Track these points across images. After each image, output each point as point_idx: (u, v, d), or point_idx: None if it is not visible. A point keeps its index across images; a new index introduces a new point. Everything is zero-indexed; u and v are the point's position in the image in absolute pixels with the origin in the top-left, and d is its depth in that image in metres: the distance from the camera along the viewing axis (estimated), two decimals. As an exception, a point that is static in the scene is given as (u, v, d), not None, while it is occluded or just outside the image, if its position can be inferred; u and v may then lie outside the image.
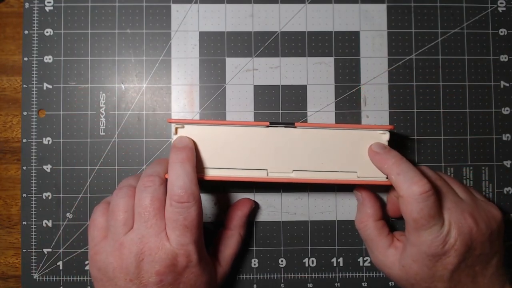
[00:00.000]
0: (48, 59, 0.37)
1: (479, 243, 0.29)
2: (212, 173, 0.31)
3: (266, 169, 0.31)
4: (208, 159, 0.31)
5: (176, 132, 0.31)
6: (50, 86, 0.36)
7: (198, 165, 0.31)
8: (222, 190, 0.36)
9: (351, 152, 0.31)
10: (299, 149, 0.31)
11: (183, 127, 0.31)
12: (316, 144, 0.31)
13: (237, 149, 0.31)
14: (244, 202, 0.35)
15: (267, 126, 0.31)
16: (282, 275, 0.36)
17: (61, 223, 0.36)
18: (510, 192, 0.37)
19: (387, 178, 0.31)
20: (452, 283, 0.29)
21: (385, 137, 0.31)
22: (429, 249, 0.28)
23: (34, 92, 0.36)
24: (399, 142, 0.37)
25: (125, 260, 0.27)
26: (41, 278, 0.36)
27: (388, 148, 0.31)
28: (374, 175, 0.31)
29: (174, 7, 0.37)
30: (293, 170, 0.31)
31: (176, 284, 0.28)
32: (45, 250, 0.36)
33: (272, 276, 0.36)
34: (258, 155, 0.31)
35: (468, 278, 0.29)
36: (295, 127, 0.31)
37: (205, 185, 0.36)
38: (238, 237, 0.34)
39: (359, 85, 0.37)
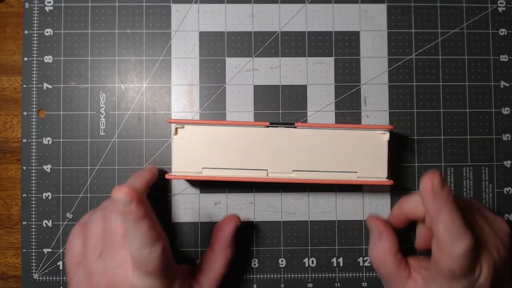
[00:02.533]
0: (48, 59, 0.37)
1: (500, 267, 0.28)
2: (211, 173, 0.31)
3: (266, 169, 0.31)
4: (207, 159, 0.31)
5: (176, 132, 0.31)
6: (50, 86, 0.36)
7: (198, 165, 0.31)
8: (222, 191, 0.36)
9: (351, 152, 0.31)
10: (299, 149, 0.31)
11: (183, 127, 0.31)
12: (316, 144, 0.31)
13: (237, 149, 0.31)
14: (229, 220, 0.33)
15: (267, 126, 0.31)
16: (282, 275, 0.36)
17: (61, 223, 0.36)
18: (510, 192, 0.37)
19: (424, 221, 0.29)
20: None
21: (385, 137, 0.31)
22: (451, 273, 0.26)
23: (34, 92, 0.36)
24: (399, 142, 0.37)
25: None
26: (41, 278, 0.36)
27: (446, 188, 0.26)
28: (374, 175, 0.31)
29: (174, 7, 0.37)
30: (293, 170, 0.31)
31: None
32: (45, 250, 0.36)
33: (272, 276, 0.36)
34: (258, 155, 0.31)
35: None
36: (295, 127, 0.31)
37: (205, 185, 0.36)
38: (223, 260, 0.32)
39: (359, 85, 0.37)
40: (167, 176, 0.30)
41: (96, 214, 0.29)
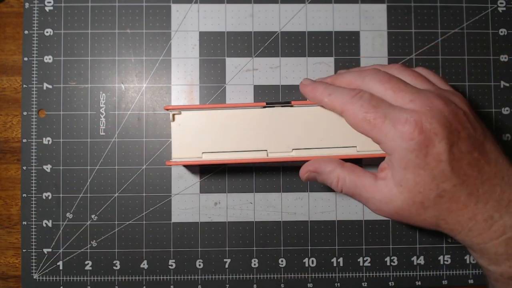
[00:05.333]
0: (48, 59, 0.37)
1: (458, 123, 0.26)
2: (211, 157, 0.31)
3: (266, 150, 0.31)
4: (207, 144, 0.31)
5: (173, 119, 0.31)
6: (50, 86, 0.36)
7: (198, 150, 0.31)
8: (222, 190, 0.36)
9: (349, 127, 0.31)
10: (298, 127, 0.31)
11: (180, 113, 0.31)
12: (314, 121, 0.31)
13: (236, 132, 0.31)
14: None
15: (264, 107, 0.31)
16: (282, 275, 0.36)
17: (61, 223, 0.36)
18: (510, 192, 0.37)
19: (321, 106, 0.30)
20: (459, 179, 0.26)
21: None
22: (407, 142, 0.25)
23: (34, 92, 0.36)
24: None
25: None
26: (41, 278, 0.36)
27: (316, 80, 0.30)
28: (373, 149, 0.31)
29: (174, 7, 0.37)
30: (293, 149, 0.31)
31: None
32: (45, 250, 0.36)
33: (272, 276, 0.36)
34: (257, 136, 0.31)
35: (473, 168, 0.26)
36: (291, 106, 0.31)
37: (206, 184, 0.36)
38: None
39: (359, 85, 0.37)
40: (167, 163, 0.30)
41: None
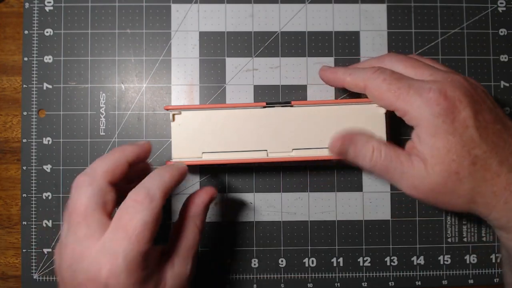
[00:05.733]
0: (48, 59, 0.37)
1: (478, 96, 0.27)
2: (211, 157, 0.31)
3: (266, 150, 0.31)
4: (207, 144, 0.31)
5: (173, 119, 0.31)
6: (50, 86, 0.36)
7: (198, 150, 0.31)
8: (222, 191, 0.36)
9: (349, 127, 0.31)
10: (298, 128, 0.31)
11: (180, 113, 0.31)
12: (314, 121, 0.31)
13: (236, 132, 0.31)
14: (204, 190, 0.30)
15: (264, 107, 0.31)
16: (282, 275, 0.36)
17: (61, 223, 0.36)
18: (510, 192, 0.37)
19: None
20: (488, 146, 0.26)
21: (382, 109, 0.31)
22: (434, 108, 0.26)
23: (34, 92, 0.36)
24: (399, 142, 0.36)
25: None
26: (41, 278, 0.36)
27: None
28: None
29: (174, 7, 0.37)
30: (293, 149, 0.31)
31: None
32: (45, 250, 0.36)
33: (272, 276, 0.36)
34: (257, 136, 0.31)
35: (499, 138, 0.26)
36: (292, 106, 0.31)
37: (206, 184, 0.36)
38: (193, 228, 0.28)
39: (359, 85, 0.37)
40: (167, 163, 0.30)
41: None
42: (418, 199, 0.29)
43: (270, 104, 0.31)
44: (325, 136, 0.31)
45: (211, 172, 0.37)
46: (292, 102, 0.31)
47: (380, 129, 0.31)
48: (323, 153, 0.31)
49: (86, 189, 0.25)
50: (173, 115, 0.31)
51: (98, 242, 0.24)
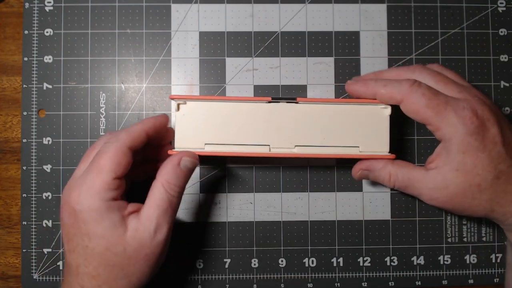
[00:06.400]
0: (48, 59, 0.37)
1: (498, 112, 0.29)
2: (213, 149, 0.31)
3: (268, 145, 0.31)
4: (210, 135, 0.31)
5: (178, 109, 0.31)
6: (50, 86, 0.36)
7: (200, 141, 0.31)
8: (222, 190, 0.36)
9: (353, 127, 0.31)
10: (301, 124, 0.31)
11: (185, 103, 0.31)
12: (318, 119, 0.31)
13: (239, 125, 0.31)
14: (180, 153, 0.30)
15: (269, 102, 0.31)
16: (282, 275, 0.36)
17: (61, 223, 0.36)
18: (510, 192, 0.37)
19: (375, 99, 0.31)
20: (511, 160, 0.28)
21: (386, 111, 0.31)
22: (468, 127, 0.27)
23: (34, 92, 0.36)
24: (399, 142, 0.37)
25: None
26: (41, 278, 0.36)
27: (360, 76, 0.31)
28: (376, 150, 0.31)
29: (174, 7, 0.37)
30: (295, 146, 0.31)
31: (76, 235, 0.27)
32: (45, 250, 0.36)
33: (272, 276, 0.36)
34: (260, 131, 0.31)
35: None
36: (297, 103, 0.31)
37: (206, 184, 0.36)
38: (159, 187, 0.28)
39: (359, 85, 0.37)
40: (169, 152, 0.30)
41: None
42: (438, 207, 0.31)
43: (275, 99, 0.31)
44: (328, 134, 0.31)
45: (211, 172, 0.37)
46: (298, 99, 0.31)
47: (383, 130, 0.31)
48: (326, 152, 0.31)
49: (111, 145, 0.28)
50: (178, 104, 0.31)
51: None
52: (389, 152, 0.31)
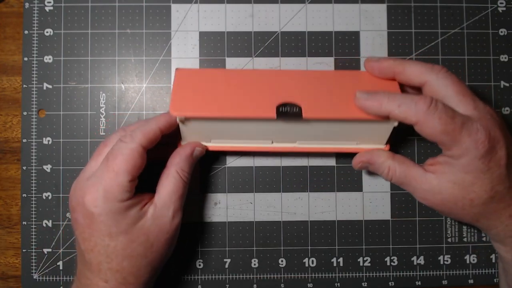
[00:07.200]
0: (48, 59, 0.37)
1: (506, 129, 0.29)
2: (216, 144, 0.32)
3: (271, 140, 0.33)
4: (213, 132, 0.32)
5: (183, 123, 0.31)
6: (50, 86, 0.36)
7: (206, 138, 0.32)
8: (222, 190, 0.36)
9: (354, 131, 0.32)
10: (304, 128, 0.31)
11: (184, 122, 0.31)
12: (321, 125, 0.31)
13: (244, 128, 0.32)
14: (189, 143, 0.32)
15: (274, 119, 0.30)
16: (282, 275, 0.36)
17: (61, 223, 0.36)
18: (510, 192, 0.37)
19: (388, 118, 0.29)
20: (509, 181, 0.28)
21: (394, 123, 0.30)
22: (479, 151, 0.27)
23: (34, 92, 0.36)
24: (399, 142, 0.37)
25: None
26: (41, 278, 0.36)
27: (372, 91, 0.30)
28: (372, 144, 0.33)
29: (174, 7, 0.37)
30: (297, 141, 0.33)
31: (90, 231, 0.28)
32: (45, 250, 0.36)
33: (272, 276, 0.36)
34: (264, 130, 0.32)
35: None
36: (301, 119, 0.30)
37: (206, 184, 0.36)
38: (175, 174, 0.30)
39: (359, 85, 0.37)
40: (179, 145, 0.32)
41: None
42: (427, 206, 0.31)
43: (280, 116, 0.30)
44: (330, 137, 0.32)
45: (211, 172, 0.37)
46: (304, 116, 0.30)
47: (382, 138, 0.32)
48: (326, 146, 0.32)
49: (126, 145, 0.28)
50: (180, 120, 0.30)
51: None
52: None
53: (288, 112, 0.30)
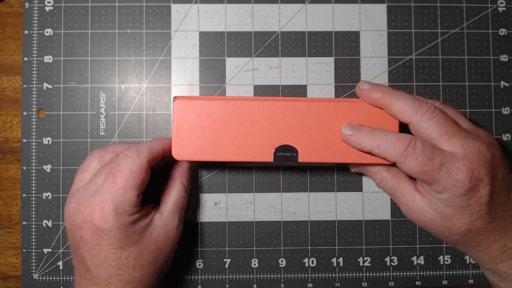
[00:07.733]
0: (48, 59, 0.37)
1: (496, 166, 0.28)
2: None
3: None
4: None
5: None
6: (50, 86, 0.36)
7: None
8: (222, 190, 0.36)
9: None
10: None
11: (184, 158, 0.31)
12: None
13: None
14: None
15: (271, 162, 0.32)
16: (282, 275, 0.36)
17: (61, 223, 0.36)
18: (510, 192, 0.37)
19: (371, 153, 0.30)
20: (490, 217, 0.28)
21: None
22: (458, 190, 0.27)
23: (34, 92, 0.36)
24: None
25: None
26: (41, 278, 0.36)
27: (357, 125, 0.30)
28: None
29: (174, 7, 0.37)
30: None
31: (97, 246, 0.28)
32: (45, 250, 0.36)
33: (272, 276, 0.36)
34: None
35: (502, 207, 0.28)
36: (297, 162, 0.31)
37: (206, 184, 0.36)
38: (180, 184, 0.32)
39: (359, 85, 0.37)
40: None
41: (120, 147, 0.32)
42: None
43: (277, 159, 0.30)
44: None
45: (211, 172, 0.37)
46: (299, 159, 0.30)
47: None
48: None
49: (134, 161, 0.29)
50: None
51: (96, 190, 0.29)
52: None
53: (285, 156, 0.30)
